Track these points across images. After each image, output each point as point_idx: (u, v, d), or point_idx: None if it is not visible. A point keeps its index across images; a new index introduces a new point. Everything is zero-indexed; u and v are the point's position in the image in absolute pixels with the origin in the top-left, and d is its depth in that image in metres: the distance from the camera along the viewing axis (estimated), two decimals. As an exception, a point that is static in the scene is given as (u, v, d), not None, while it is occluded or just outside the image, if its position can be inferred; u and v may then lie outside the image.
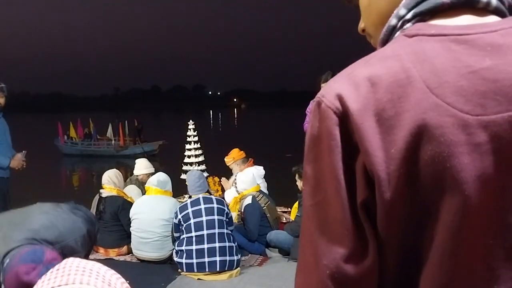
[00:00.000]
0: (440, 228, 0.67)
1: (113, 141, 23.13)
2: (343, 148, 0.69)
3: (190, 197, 4.97)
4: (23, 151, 5.50)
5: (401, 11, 0.74)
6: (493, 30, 0.69)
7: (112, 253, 5.21)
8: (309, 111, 5.72)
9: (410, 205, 0.67)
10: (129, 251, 5.22)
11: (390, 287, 0.73)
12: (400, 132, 0.66)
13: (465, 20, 0.71)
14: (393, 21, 0.76)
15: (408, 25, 0.74)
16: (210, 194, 5.12)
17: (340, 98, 0.69)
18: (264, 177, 6.28)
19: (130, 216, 5.09)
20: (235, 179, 5.67)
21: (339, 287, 0.71)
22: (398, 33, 0.75)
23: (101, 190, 5.60)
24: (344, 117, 0.69)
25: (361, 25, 0.86)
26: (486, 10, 0.72)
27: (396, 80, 0.68)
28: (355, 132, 0.68)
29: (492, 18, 0.71)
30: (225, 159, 6.47)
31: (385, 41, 0.77)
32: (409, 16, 0.73)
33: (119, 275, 0.91)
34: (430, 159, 0.65)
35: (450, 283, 0.68)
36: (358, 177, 0.69)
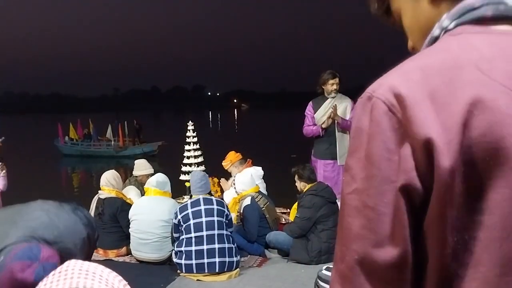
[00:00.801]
0: (497, 205, 0.67)
1: (112, 142, 23.13)
2: (390, 136, 0.70)
3: (190, 197, 4.97)
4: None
5: (445, 22, 0.78)
6: None
7: (111, 254, 5.21)
8: (308, 113, 5.70)
9: (467, 177, 0.67)
10: (128, 252, 5.22)
11: (435, 280, 0.71)
12: (455, 107, 0.67)
13: (506, 28, 0.75)
14: (436, 31, 0.79)
15: (455, 29, 0.77)
16: (212, 195, 5.12)
17: (392, 89, 0.71)
18: (263, 178, 6.28)
19: (129, 217, 5.08)
20: (234, 180, 5.67)
21: (367, 274, 0.71)
22: (440, 38, 0.79)
23: (99, 192, 5.60)
24: (396, 105, 0.70)
25: (410, 43, 0.90)
26: None
27: (447, 66, 0.71)
28: (408, 117, 0.69)
29: None
30: (222, 163, 6.47)
31: (431, 43, 0.80)
32: (451, 26, 0.77)
33: (120, 277, 0.90)
34: (486, 128, 0.66)
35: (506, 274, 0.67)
36: (403, 163, 0.69)
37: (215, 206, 4.57)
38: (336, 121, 5.46)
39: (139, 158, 7.02)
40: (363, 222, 0.71)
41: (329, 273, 2.67)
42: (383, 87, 0.73)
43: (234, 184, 5.62)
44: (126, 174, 6.58)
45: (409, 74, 0.72)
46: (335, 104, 5.45)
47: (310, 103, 5.76)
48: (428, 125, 0.68)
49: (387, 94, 0.71)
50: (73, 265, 0.87)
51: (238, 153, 6.46)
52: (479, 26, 0.76)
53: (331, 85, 5.50)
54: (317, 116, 5.57)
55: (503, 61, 0.70)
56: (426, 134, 0.68)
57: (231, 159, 6.39)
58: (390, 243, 0.70)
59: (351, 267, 0.72)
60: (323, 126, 5.51)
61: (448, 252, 0.69)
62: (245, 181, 5.42)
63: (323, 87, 5.57)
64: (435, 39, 0.79)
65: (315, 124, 5.60)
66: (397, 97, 0.70)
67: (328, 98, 5.53)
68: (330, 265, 2.70)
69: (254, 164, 6.48)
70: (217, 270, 4.41)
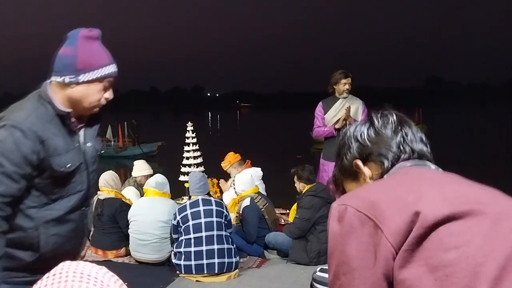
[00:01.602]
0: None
1: (112, 142, 23.16)
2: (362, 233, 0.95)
3: (189, 197, 4.96)
4: None
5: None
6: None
7: (110, 255, 5.20)
8: (318, 114, 5.52)
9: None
10: (127, 253, 5.21)
11: None
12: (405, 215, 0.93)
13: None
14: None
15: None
16: (211, 196, 5.11)
17: (362, 204, 0.99)
18: (262, 179, 6.27)
19: (128, 218, 5.08)
20: (234, 181, 5.67)
21: None
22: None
23: (98, 192, 5.59)
24: (369, 214, 0.97)
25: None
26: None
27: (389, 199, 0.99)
28: (379, 223, 0.94)
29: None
30: (221, 164, 6.46)
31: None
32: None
33: (117, 277, 0.89)
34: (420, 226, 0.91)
35: None
36: (379, 252, 0.91)
37: (214, 207, 4.57)
38: (348, 123, 5.11)
39: (139, 159, 7.01)
40: None
41: (323, 275, 2.67)
42: (356, 201, 1.00)
43: (233, 184, 5.62)
44: (126, 175, 6.57)
45: (361, 198, 1.01)
46: (349, 106, 5.24)
47: (320, 103, 5.52)
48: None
49: (364, 207, 0.97)
50: (68, 267, 0.86)
51: (237, 154, 6.45)
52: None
53: (343, 85, 5.30)
54: (328, 117, 5.36)
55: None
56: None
57: (230, 160, 6.38)
58: None
59: None
60: (337, 126, 5.22)
61: None
62: (245, 182, 5.41)
63: (334, 87, 5.37)
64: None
65: (325, 125, 5.39)
66: (356, 208, 0.99)
67: (339, 99, 5.33)
68: (325, 267, 2.70)
69: (253, 165, 6.48)
70: (216, 271, 4.41)
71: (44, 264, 1.77)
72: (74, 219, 2.05)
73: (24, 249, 1.92)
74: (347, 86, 5.28)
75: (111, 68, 1.95)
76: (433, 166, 1.11)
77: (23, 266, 1.93)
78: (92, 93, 1.92)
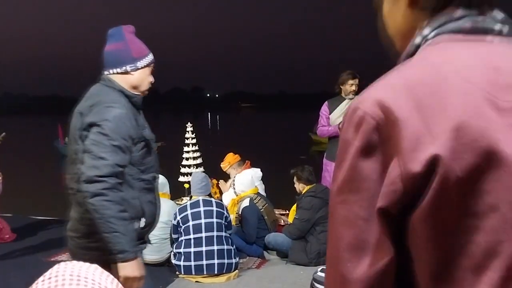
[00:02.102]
0: (493, 208, 0.68)
1: None
2: (377, 151, 0.72)
3: (190, 198, 4.96)
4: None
5: (425, 31, 0.81)
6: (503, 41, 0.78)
7: (110, 256, 5.19)
8: (323, 113, 5.53)
9: (461, 182, 0.68)
10: (127, 254, 5.20)
11: (427, 285, 0.73)
12: (443, 118, 0.69)
13: (483, 37, 0.78)
14: (417, 39, 0.82)
15: (435, 38, 0.80)
16: (211, 197, 5.11)
17: (379, 104, 0.72)
18: (261, 179, 6.27)
19: (128, 218, 5.07)
20: (233, 181, 5.66)
21: (357, 282, 0.74)
22: (421, 47, 0.81)
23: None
24: (384, 121, 0.72)
25: (396, 47, 0.92)
26: (501, 35, 0.79)
27: (430, 77, 0.73)
28: (396, 132, 0.70)
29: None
30: (221, 165, 6.45)
31: (410, 56, 0.82)
32: (432, 35, 0.80)
33: (112, 277, 0.88)
34: (478, 134, 0.67)
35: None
36: (390, 176, 0.71)
37: (214, 208, 4.57)
38: None
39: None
40: (354, 232, 0.74)
41: (324, 275, 2.67)
42: (369, 100, 0.74)
43: (233, 185, 5.61)
44: (126, 175, 6.55)
45: (394, 87, 0.73)
46: None
47: (326, 103, 5.51)
48: (417, 138, 0.69)
49: (374, 108, 0.72)
50: (63, 269, 0.85)
51: (237, 155, 6.45)
52: (458, 35, 0.78)
53: (350, 85, 5.30)
54: (333, 117, 5.33)
55: (484, 68, 0.73)
56: (415, 147, 0.69)
57: (229, 161, 6.37)
58: (380, 252, 0.73)
59: (343, 275, 0.75)
60: (341, 127, 5.25)
61: (441, 256, 0.70)
62: (245, 182, 5.41)
63: (341, 87, 5.38)
64: (417, 47, 0.81)
65: (329, 125, 5.36)
66: (384, 111, 0.71)
67: (345, 99, 5.30)
68: (325, 267, 2.72)
69: (253, 165, 6.48)
70: (216, 272, 4.41)
71: (147, 231, 2.38)
72: (155, 188, 2.48)
73: (134, 218, 2.22)
74: (353, 87, 5.28)
75: (152, 55, 2.36)
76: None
77: (136, 235, 2.22)
78: (146, 77, 2.32)
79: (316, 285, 3.03)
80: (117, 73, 2.27)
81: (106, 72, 2.29)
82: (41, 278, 0.83)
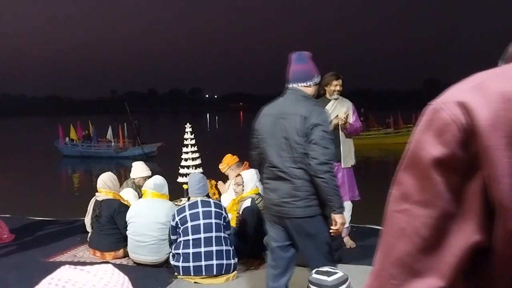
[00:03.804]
0: None
1: (113, 143, 23.23)
2: (457, 165, 0.62)
3: (188, 199, 4.96)
4: None
5: None
6: None
7: (109, 257, 5.20)
8: None
9: None
10: (126, 255, 5.21)
11: None
12: None
13: None
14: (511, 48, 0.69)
15: None
16: (209, 197, 5.11)
17: (467, 110, 0.61)
18: (260, 180, 6.26)
19: (126, 219, 5.07)
20: (233, 182, 5.66)
21: None
22: None
23: (97, 194, 5.59)
24: (468, 132, 0.61)
25: None
26: None
27: None
28: (480, 152, 0.60)
29: None
30: (219, 166, 6.45)
31: (506, 61, 0.71)
32: None
33: (113, 284, 0.88)
34: None
35: None
36: (469, 197, 0.62)
37: (213, 209, 4.57)
38: (341, 126, 5.23)
39: (139, 159, 7.00)
40: (408, 248, 0.65)
41: (319, 276, 2.67)
42: (456, 103, 0.63)
43: (235, 185, 5.59)
44: (126, 175, 6.57)
45: (490, 98, 0.61)
46: (348, 114, 5.30)
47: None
48: (501, 175, 0.59)
49: (460, 114, 0.62)
50: (59, 275, 0.84)
51: (235, 156, 6.44)
52: None
53: (334, 86, 5.36)
54: None
55: None
56: (496, 189, 0.59)
57: (228, 162, 6.37)
58: (432, 276, 0.64)
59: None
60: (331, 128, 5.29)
61: None
62: (253, 177, 5.43)
63: (325, 88, 5.44)
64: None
65: None
66: (472, 120, 0.61)
67: (330, 100, 5.38)
68: (321, 268, 2.72)
69: (251, 166, 6.47)
70: (214, 273, 4.40)
71: None
72: None
73: None
74: (338, 88, 5.37)
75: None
76: None
77: None
78: (316, 90, 3.35)
79: (312, 287, 3.02)
80: (305, 86, 3.21)
81: (295, 85, 3.22)
82: (45, 283, 0.83)
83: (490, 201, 0.61)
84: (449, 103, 0.64)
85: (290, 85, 3.25)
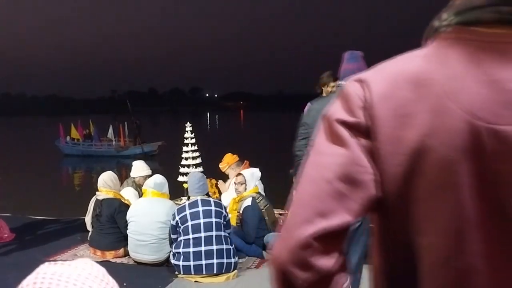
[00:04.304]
0: (434, 230, 0.70)
1: (114, 142, 23.29)
2: (360, 128, 0.73)
3: (188, 198, 4.96)
4: None
5: (444, 15, 0.75)
6: None
7: (109, 255, 5.20)
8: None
9: (408, 202, 0.70)
10: (126, 254, 5.21)
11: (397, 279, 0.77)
12: (411, 131, 0.69)
13: (503, 31, 0.69)
14: (435, 23, 0.77)
15: (449, 29, 0.74)
16: (209, 196, 5.11)
17: (365, 85, 0.74)
18: (260, 179, 6.27)
19: (127, 218, 5.07)
20: (233, 181, 5.66)
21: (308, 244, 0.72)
22: (440, 34, 0.76)
23: (97, 193, 5.60)
24: (365, 102, 0.73)
25: None
26: None
27: (418, 81, 0.70)
28: (372, 118, 0.72)
29: None
30: (219, 166, 6.46)
31: (427, 39, 0.79)
32: (450, 21, 0.74)
33: (95, 275, 0.88)
34: (436, 160, 0.67)
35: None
36: (360, 153, 0.72)
37: (213, 208, 4.57)
38: None
39: (140, 158, 7.01)
40: (315, 192, 0.72)
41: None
42: (358, 80, 0.76)
43: (235, 184, 5.60)
44: (127, 174, 6.59)
45: (385, 78, 0.74)
46: None
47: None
48: (383, 142, 0.71)
49: (360, 88, 0.74)
50: (43, 272, 0.84)
51: (235, 155, 6.45)
52: (471, 30, 0.71)
53: (332, 87, 5.37)
54: None
55: (473, 82, 0.68)
56: (378, 153, 0.71)
57: (228, 161, 6.38)
58: (337, 216, 0.71)
59: (290, 229, 0.73)
60: None
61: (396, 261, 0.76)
62: (254, 177, 5.43)
63: (323, 88, 5.45)
64: (435, 29, 0.77)
65: None
66: (368, 93, 0.73)
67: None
68: None
69: (251, 165, 6.48)
70: (215, 272, 4.41)
71: None
72: None
73: None
74: (335, 88, 5.34)
75: None
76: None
77: None
78: None
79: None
80: None
81: (344, 82, 3.12)
82: (26, 282, 0.83)
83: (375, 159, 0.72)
84: (353, 80, 0.77)
85: (341, 83, 3.41)
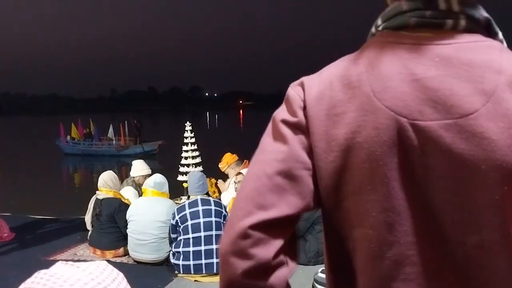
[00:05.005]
0: (366, 222, 0.74)
1: (114, 141, 23.31)
2: (299, 126, 0.78)
3: (188, 197, 4.96)
4: None
5: (378, 21, 0.81)
6: (447, 44, 0.73)
7: (109, 255, 5.20)
8: None
9: (342, 196, 0.75)
10: (126, 253, 5.21)
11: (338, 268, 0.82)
12: (342, 129, 0.74)
13: (427, 35, 0.74)
14: (373, 29, 0.82)
15: (380, 33, 0.80)
16: (209, 196, 5.11)
17: (304, 88, 0.80)
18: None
19: (126, 217, 5.07)
20: (233, 181, 5.66)
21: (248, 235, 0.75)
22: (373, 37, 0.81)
23: (97, 192, 5.60)
24: (303, 103, 0.78)
25: None
26: (455, 30, 0.74)
27: (350, 82, 0.76)
28: (308, 118, 0.77)
29: (461, 36, 0.73)
30: (219, 166, 6.46)
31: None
32: (382, 27, 0.79)
33: (98, 281, 0.87)
34: (364, 156, 0.72)
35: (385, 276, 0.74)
36: (298, 147, 0.77)
37: (213, 207, 4.57)
38: None
39: (140, 158, 7.01)
40: (256, 186, 0.76)
41: (324, 276, 2.69)
42: (299, 83, 0.82)
43: (235, 183, 5.60)
44: (127, 173, 6.59)
45: (321, 81, 0.79)
46: None
47: None
48: (317, 140, 0.76)
49: (300, 90, 0.80)
50: (39, 278, 0.84)
51: (234, 155, 6.45)
52: (397, 33, 0.76)
53: None
54: None
55: (398, 81, 0.72)
56: (313, 151, 0.76)
57: (227, 161, 6.38)
58: (275, 209, 0.74)
59: (232, 221, 0.76)
60: None
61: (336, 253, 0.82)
62: None
63: None
64: (372, 34, 0.82)
65: None
66: (305, 95, 0.79)
67: None
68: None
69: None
70: (215, 271, 4.41)
71: None
72: None
73: None
74: None
75: None
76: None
77: None
78: None
79: (318, 286, 3.04)
80: None
81: None
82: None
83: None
84: (295, 83, 0.82)
85: None
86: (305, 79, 0.82)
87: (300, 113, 0.78)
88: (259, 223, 0.72)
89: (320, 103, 0.76)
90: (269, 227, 0.73)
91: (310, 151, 0.77)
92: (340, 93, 0.75)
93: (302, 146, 0.77)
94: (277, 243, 0.74)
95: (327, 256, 0.84)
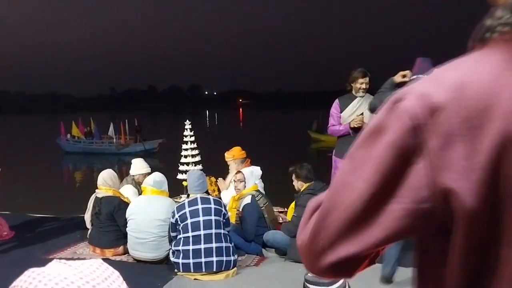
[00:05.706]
0: None
1: (114, 140, 23.36)
2: (409, 151, 0.65)
3: (188, 196, 4.97)
4: None
5: (499, 13, 0.66)
6: None
7: (108, 253, 5.20)
8: (334, 112, 5.46)
9: (490, 217, 0.63)
10: (125, 251, 5.21)
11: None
12: (484, 143, 0.61)
13: None
14: (488, 21, 0.68)
15: (507, 28, 0.65)
16: (209, 194, 5.12)
17: (425, 100, 0.64)
18: (260, 177, 6.27)
19: (126, 216, 5.07)
20: (233, 179, 5.66)
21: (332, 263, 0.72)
22: (495, 34, 0.67)
23: (97, 191, 5.60)
24: (424, 120, 0.64)
25: None
26: None
27: (485, 87, 0.63)
28: (434, 137, 0.63)
29: None
30: (225, 154, 6.43)
31: (479, 40, 0.70)
32: (507, 20, 0.65)
33: (86, 280, 0.87)
34: None
35: None
36: (415, 190, 0.65)
37: (212, 205, 4.57)
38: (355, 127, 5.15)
39: (140, 156, 7.01)
40: (341, 217, 0.69)
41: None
42: (414, 93, 0.66)
43: (234, 182, 5.60)
44: (128, 172, 6.59)
45: (446, 89, 0.64)
46: (362, 115, 5.17)
47: (337, 101, 5.41)
48: (454, 160, 0.63)
49: (419, 104, 0.65)
50: (27, 276, 0.85)
51: (243, 151, 6.43)
52: None
53: (361, 83, 5.26)
54: (344, 115, 5.26)
55: None
56: (449, 176, 0.63)
57: (234, 154, 6.35)
58: (354, 244, 0.69)
59: (315, 245, 0.72)
60: (352, 125, 5.16)
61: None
62: (253, 175, 5.42)
63: (352, 84, 5.35)
64: (487, 29, 0.68)
65: (340, 123, 5.29)
66: (427, 112, 0.64)
67: (356, 97, 5.26)
68: None
69: (251, 163, 6.47)
70: (214, 269, 4.41)
71: None
72: None
73: None
74: (364, 85, 5.23)
75: None
76: None
77: None
78: None
79: (308, 285, 3.03)
80: None
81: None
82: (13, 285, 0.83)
83: (435, 187, 0.64)
84: (410, 94, 0.67)
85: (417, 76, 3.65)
86: (422, 88, 0.67)
87: (418, 134, 0.67)
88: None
89: (451, 115, 0.64)
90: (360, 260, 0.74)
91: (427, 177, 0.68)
92: (475, 102, 0.63)
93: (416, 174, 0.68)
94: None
95: None
